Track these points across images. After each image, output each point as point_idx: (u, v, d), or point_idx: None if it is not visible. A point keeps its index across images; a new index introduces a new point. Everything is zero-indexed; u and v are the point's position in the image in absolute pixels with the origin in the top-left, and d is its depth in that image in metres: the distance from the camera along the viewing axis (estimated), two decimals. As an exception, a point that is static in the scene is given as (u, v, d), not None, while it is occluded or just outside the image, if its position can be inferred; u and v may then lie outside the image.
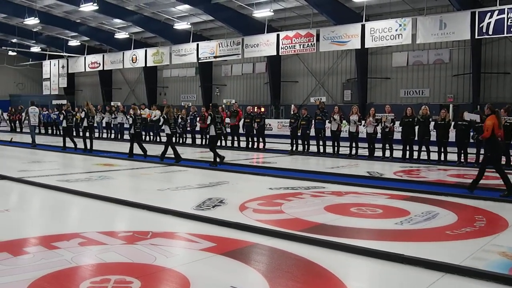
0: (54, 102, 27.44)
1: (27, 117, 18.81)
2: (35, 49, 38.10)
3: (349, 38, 21.90)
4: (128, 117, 21.34)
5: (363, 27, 21.41)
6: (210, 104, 14.19)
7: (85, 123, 16.46)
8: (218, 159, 12.37)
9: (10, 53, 38.91)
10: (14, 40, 37.31)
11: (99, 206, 7.24)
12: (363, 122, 15.24)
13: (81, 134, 17.83)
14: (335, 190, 8.85)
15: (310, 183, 9.61)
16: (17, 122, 28.03)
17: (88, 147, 16.02)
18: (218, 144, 15.53)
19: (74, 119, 17.25)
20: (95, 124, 23.83)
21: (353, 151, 15.03)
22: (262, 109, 19.58)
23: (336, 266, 4.54)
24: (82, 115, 17.13)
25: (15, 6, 28.57)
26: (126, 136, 22.15)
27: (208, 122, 12.91)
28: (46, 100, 36.35)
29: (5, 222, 6.09)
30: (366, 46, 22.00)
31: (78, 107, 27.15)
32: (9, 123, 29.41)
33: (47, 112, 26.74)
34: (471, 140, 12.80)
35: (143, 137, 21.41)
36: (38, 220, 6.59)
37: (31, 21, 27.42)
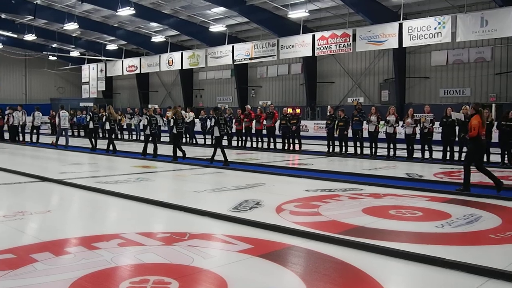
0: (81, 104, 27.98)
1: (59, 121, 19.60)
2: (75, 53, 39.15)
3: (386, 37, 21.57)
4: (165, 119, 21.69)
5: (400, 26, 21.04)
6: (214, 107, 15.46)
7: (107, 126, 16.91)
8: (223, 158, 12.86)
9: (51, 58, 40.19)
10: (54, 45, 38.47)
11: (137, 208, 7.33)
12: (400, 122, 14.96)
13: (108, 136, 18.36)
14: (373, 192, 8.69)
15: (348, 185, 9.49)
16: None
17: (111, 148, 16.45)
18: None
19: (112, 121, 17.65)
20: (133, 127, 24.37)
21: (391, 153, 14.77)
22: (298, 111, 19.52)
23: (374, 269, 4.45)
24: (103, 119, 17.54)
25: (55, 12, 29.51)
26: (163, 139, 22.58)
27: (212, 123, 13.53)
28: (86, 103, 37.24)
29: (47, 223, 6.24)
30: (404, 45, 21.61)
31: (117, 110, 27.73)
32: (50, 126, 30.23)
33: (84, 115, 27.35)
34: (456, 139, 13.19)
35: (186, 139, 21.68)
36: (78, 221, 6.73)
37: (71, 26, 28.21)
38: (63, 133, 19.44)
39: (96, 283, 4.01)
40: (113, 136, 16.95)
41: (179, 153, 14.19)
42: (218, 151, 13.34)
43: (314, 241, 5.31)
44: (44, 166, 13.52)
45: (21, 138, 21.67)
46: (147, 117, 15.02)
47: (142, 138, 23.67)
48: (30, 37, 32.50)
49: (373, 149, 15.13)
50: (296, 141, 17.50)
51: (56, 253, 4.77)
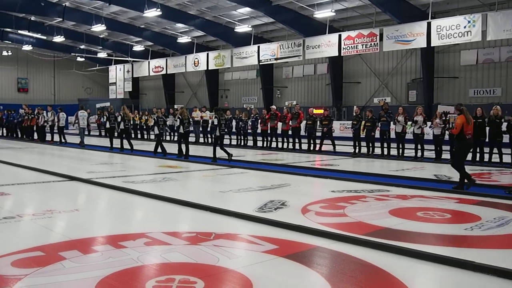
0: (98, 105, 28.35)
1: (77, 120, 20.21)
2: (102, 54, 39.77)
3: (414, 36, 21.24)
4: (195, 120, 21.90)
5: (429, 25, 20.69)
6: (215, 107, 16.01)
7: (121, 126, 17.38)
8: (228, 156, 13.62)
9: (79, 59, 40.98)
10: (82, 47, 39.19)
11: (163, 207, 7.39)
12: (428, 123, 14.72)
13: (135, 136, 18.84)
14: (400, 193, 8.57)
15: (374, 186, 9.37)
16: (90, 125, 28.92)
17: (128, 147, 17.06)
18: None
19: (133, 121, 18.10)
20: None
21: (419, 153, 14.55)
22: (323, 111, 19.38)
23: (401, 271, 4.38)
24: (118, 119, 18.01)
25: (83, 14, 30.07)
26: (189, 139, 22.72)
27: (216, 123, 14.10)
28: (113, 104, 37.72)
29: (75, 221, 6.34)
30: (432, 45, 21.22)
31: (142, 111, 28.06)
32: (78, 127, 30.68)
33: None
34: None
35: (206, 139, 21.84)
36: (105, 219, 6.82)
37: (98, 28, 28.69)
38: (83, 132, 20.13)
39: (122, 282, 4.05)
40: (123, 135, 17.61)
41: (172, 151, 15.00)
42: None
43: (340, 242, 5.25)
44: (72, 165, 13.75)
45: (49, 138, 22.10)
46: (179, 117, 15.15)
47: (167, 138, 23.98)
48: (58, 38, 33.16)
49: (400, 150, 14.93)
50: (329, 142, 17.22)
51: (84, 251, 4.84)
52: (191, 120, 14.99)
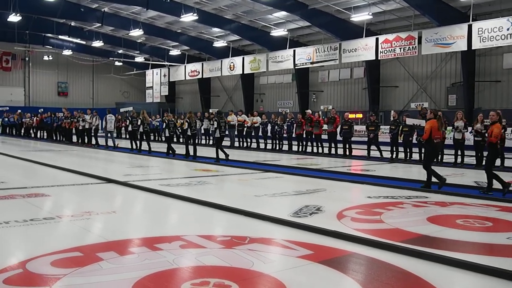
0: (122, 109, 28.90)
1: (105, 124, 21.07)
2: (139, 59, 40.51)
3: (454, 39, 20.76)
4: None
5: (469, 27, 20.17)
6: (217, 111, 17.39)
7: (141, 129, 18.57)
8: (225, 156, 14.68)
9: (117, 63, 41.88)
10: (120, 51, 40.02)
11: (198, 210, 7.43)
12: (469, 128, 14.33)
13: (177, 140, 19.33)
14: (439, 200, 8.36)
15: (412, 192, 9.18)
16: (123, 128, 28.98)
17: (138, 147, 18.70)
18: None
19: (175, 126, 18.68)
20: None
21: (459, 160, 14.17)
22: (360, 115, 19.16)
23: (440, 280, 4.26)
24: (138, 122, 18.96)
25: (122, 19, 30.75)
26: (224, 143, 22.83)
27: (216, 126, 15.24)
28: (149, 108, 38.32)
29: (112, 223, 6.44)
30: (473, 48, 20.66)
31: (178, 115, 28.34)
32: (116, 130, 31.25)
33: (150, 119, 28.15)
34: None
35: (242, 143, 21.91)
36: (142, 222, 6.91)
37: (136, 33, 29.28)
38: (109, 135, 20.93)
39: (158, 283, 4.08)
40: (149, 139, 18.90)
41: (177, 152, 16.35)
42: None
43: (376, 249, 5.16)
44: (109, 168, 14.02)
45: (86, 141, 22.50)
46: (187, 120, 16.18)
47: (203, 142, 24.18)
48: (97, 43, 34.00)
49: (440, 156, 14.57)
50: (374, 147, 16.75)
51: (121, 253, 4.90)
52: (192, 124, 16.15)
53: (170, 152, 16.93)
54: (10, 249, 5.20)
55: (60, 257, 4.69)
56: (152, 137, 27.79)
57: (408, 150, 15.47)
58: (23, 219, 6.31)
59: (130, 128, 19.81)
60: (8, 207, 7.37)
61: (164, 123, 17.80)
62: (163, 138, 26.17)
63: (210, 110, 30.37)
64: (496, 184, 9.05)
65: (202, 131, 24.17)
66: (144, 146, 18.70)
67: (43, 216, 6.59)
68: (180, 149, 17.44)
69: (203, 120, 23.91)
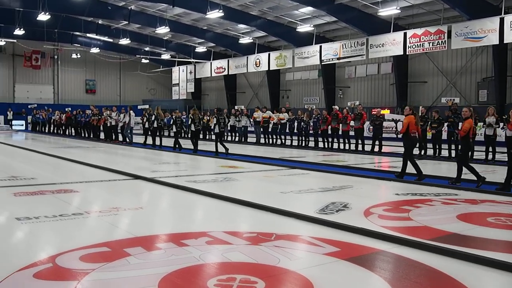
0: (140, 107, 29.29)
1: (128, 120, 21.58)
2: (165, 56, 40.83)
3: (485, 33, 20.25)
4: (251, 119, 22.06)
5: (501, 20, 19.63)
6: (216, 108, 18.42)
7: (154, 125, 19.47)
8: (224, 150, 15.77)
9: (143, 60, 42.28)
10: (146, 49, 40.41)
11: (224, 207, 7.44)
12: (501, 124, 13.98)
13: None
14: (469, 197, 8.19)
15: (441, 189, 9.01)
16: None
17: (157, 143, 19.55)
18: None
19: (201, 122, 19.35)
20: (212, 127, 24.90)
21: (490, 156, 13.84)
22: (387, 111, 18.93)
23: (470, 279, 4.17)
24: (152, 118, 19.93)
25: (148, 16, 31.04)
26: (250, 139, 22.91)
27: (215, 122, 16.39)
28: (175, 105, 38.64)
29: (139, 219, 6.49)
30: (505, 41, 20.05)
31: (204, 112, 28.51)
32: (142, 127, 31.59)
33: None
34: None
35: (267, 139, 21.89)
36: (168, 218, 6.96)
37: (162, 30, 29.53)
38: (130, 131, 21.57)
39: (185, 279, 4.10)
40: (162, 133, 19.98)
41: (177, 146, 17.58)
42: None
43: (404, 247, 5.07)
44: (136, 164, 14.17)
45: (113, 138, 22.80)
46: (191, 117, 17.26)
47: (229, 139, 24.25)
48: (124, 41, 34.38)
49: (470, 152, 14.24)
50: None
51: (148, 248, 4.94)
52: (196, 120, 17.20)
53: (177, 146, 17.74)
54: (40, 243, 5.31)
55: (89, 252, 4.76)
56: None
57: (437, 146, 15.19)
58: (53, 215, 6.42)
59: (146, 125, 20.52)
60: (38, 202, 7.53)
61: (172, 120, 18.83)
62: (189, 135, 26.51)
63: (236, 107, 30.46)
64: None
65: (229, 128, 24.23)
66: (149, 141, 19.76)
67: (72, 212, 6.69)
68: (204, 146, 17.50)
69: (230, 117, 23.96)
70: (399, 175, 10.46)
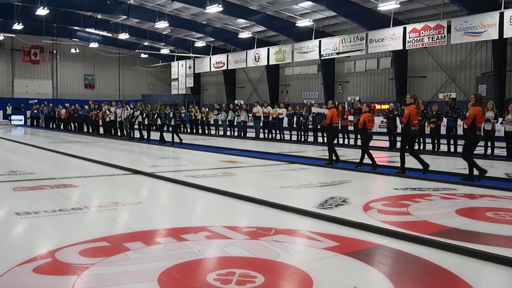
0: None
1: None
2: (165, 51, 40.74)
3: (485, 28, 20.21)
4: (251, 115, 22.05)
5: (501, 15, 19.59)
6: (174, 104, 19.70)
7: (159, 122, 19.59)
8: (179, 140, 18.07)
9: (142, 55, 42.19)
10: (146, 43, 40.32)
11: (223, 201, 7.45)
12: (500, 119, 13.99)
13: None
14: (468, 192, 8.20)
15: (440, 184, 9.03)
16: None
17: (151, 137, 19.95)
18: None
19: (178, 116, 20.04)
20: (220, 122, 24.96)
21: (489, 151, 13.85)
22: (387, 106, 18.90)
23: (469, 273, 4.19)
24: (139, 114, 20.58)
25: (147, 11, 30.98)
26: (250, 134, 22.89)
27: (171, 116, 18.49)
28: (174, 99, 38.63)
29: (139, 214, 6.50)
30: (505, 36, 20.02)
31: (203, 106, 28.52)
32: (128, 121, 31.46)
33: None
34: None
35: (266, 134, 21.89)
36: (167, 212, 6.96)
37: (161, 25, 29.48)
38: (128, 126, 21.73)
39: (184, 273, 4.11)
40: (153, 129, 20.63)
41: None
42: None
43: (403, 241, 5.09)
44: (135, 159, 14.18)
45: (112, 132, 22.80)
46: (157, 112, 18.66)
47: (228, 133, 24.25)
48: (123, 36, 34.30)
49: (489, 149, 14.17)
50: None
51: (147, 243, 4.95)
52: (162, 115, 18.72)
53: (162, 140, 18.80)
54: (39, 238, 5.31)
55: (88, 247, 4.76)
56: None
57: (436, 141, 15.20)
58: (52, 209, 6.43)
59: (140, 119, 20.84)
60: (38, 197, 7.53)
61: (156, 114, 19.35)
62: (188, 130, 26.55)
63: (235, 101, 30.44)
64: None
65: (227, 123, 24.24)
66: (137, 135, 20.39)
67: (71, 207, 6.70)
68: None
69: (228, 112, 23.97)
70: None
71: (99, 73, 45.09)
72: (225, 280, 3.93)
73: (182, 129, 25.75)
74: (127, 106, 21.38)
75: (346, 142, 18.08)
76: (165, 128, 19.48)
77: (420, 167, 10.22)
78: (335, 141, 14.41)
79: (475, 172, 9.37)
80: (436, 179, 9.50)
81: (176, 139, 18.23)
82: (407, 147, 10.52)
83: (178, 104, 19.17)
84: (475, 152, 14.10)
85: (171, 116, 19.45)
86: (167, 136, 19.00)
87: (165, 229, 5.64)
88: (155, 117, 19.36)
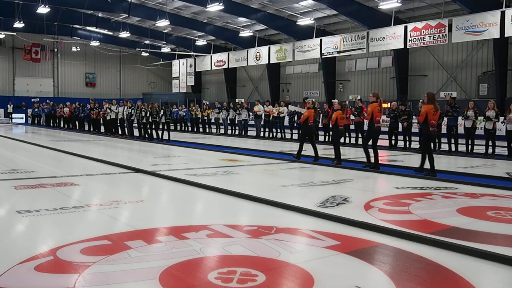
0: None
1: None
2: (166, 49, 40.76)
3: (486, 27, 20.19)
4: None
5: (502, 14, 19.55)
6: (151, 103, 19.97)
7: (163, 120, 20.12)
8: (147, 136, 19.49)
9: (143, 54, 42.20)
10: (146, 42, 40.32)
11: (225, 200, 7.45)
12: (501, 118, 13.99)
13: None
14: (469, 191, 8.19)
15: (441, 183, 9.02)
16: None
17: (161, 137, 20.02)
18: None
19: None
20: (221, 121, 24.96)
21: (490, 150, 13.86)
22: (387, 105, 18.89)
23: (470, 273, 4.19)
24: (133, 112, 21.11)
25: (148, 9, 30.99)
26: (250, 133, 22.90)
27: (148, 114, 19.20)
28: (175, 98, 38.63)
29: (140, 212, 6.50)
30: (506, 35, 20.00)
31: (203, 104, 28.50)
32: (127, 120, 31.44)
33: (176, 109, 28.31)
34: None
35: (267, 133, 21.88)
36: (169, 211, 6.96)
37: (162, 23, 29.47)
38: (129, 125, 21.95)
39: (185, 272, 4.11)
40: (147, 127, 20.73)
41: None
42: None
43: (405, 240, 5.09)
44: (137, 158, 14.17)
45: (113, 131, 22.80)
46: (149, 110, 19.06)
47: (229, 132, 24.24)
48: (124, 34, 34.30)
49: (470, 146, 14.27)
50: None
51: (148, 241, 4.95)
52: (237, 112, 19.00)
53: (147, 136, 19.88)
54: (41, 236, 5.32)
55: (89, 245, 4.76)
56: (178, 127, 28.26)
57: (437, 141, 15.19)
58: (53, 208, 6.43)
59: (132, 118, 21.29)
60: (39, 195, 7.53)
61: (148, 111, 19.74)
62: (189, 128, 26.54)
63: (236, 100, 30.42)
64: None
65: (228, 121, 24.24)
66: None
67: (72, 205, 6.70)
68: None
69: (229, 110, 23.97)
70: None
71: (100, 71, 45.08)
72: (227, 278, 3.93)
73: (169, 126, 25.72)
74: (128, 104, 21.40)
75: (347, 141, 18.05)
76: (154, 126, 19.94)
77: (417, 165, 10.23)
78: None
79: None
80: (437, 178, 9.50)
81: (165, 136, 19.06)
82: (368, 143, 11.23)
83: (169, 103, 20.06)
84: (474, 151, 14.20)
85: (162, 114, 19.86)
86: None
87: (166, 228, 5.64)
88: (147, 114, 19.68)
